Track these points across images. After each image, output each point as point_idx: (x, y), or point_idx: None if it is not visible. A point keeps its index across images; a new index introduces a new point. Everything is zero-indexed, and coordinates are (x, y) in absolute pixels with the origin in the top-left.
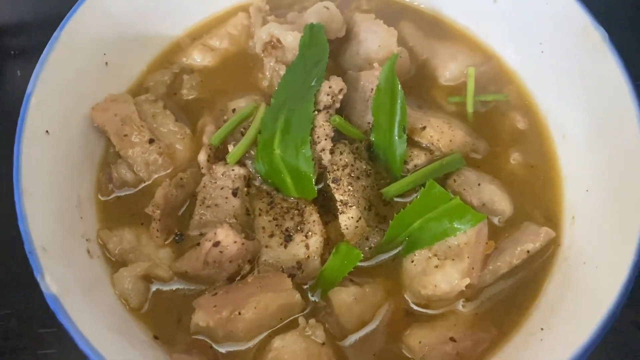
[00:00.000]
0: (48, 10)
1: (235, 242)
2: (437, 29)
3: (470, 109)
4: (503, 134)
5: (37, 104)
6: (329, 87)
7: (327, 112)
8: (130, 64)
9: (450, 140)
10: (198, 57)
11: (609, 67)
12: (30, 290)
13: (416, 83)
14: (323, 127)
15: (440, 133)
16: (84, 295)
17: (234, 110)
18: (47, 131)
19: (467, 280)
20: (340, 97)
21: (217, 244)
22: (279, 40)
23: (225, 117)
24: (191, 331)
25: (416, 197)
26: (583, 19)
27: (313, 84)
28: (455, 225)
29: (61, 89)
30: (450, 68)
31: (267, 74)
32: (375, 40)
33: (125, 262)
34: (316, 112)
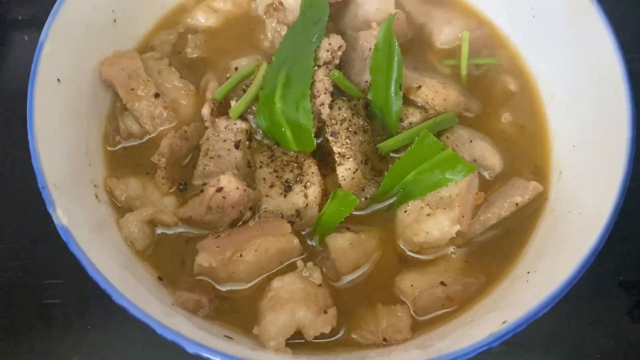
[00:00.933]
0: None
1: (237, 188)
2: None
3: (464, 71)
4: (495, 95)
5: (49, 53)
6: (329, 44)
7: (327, 67)
8: (137, 22)
9: (444, 100)
10: (202, 18)
11: (596, 28)
12: (38, 243)
13: (412, 46)
14: (322, 81)
15: (435, 92)
16: (93, 233)
17: (236, 68)
18: (58, 79)
19: (457, 227)
20: (340, 53)
21: (220, 189)
22: (280, 3)
23: (228, 75)
24: (194, 272)
25: (410, 146)
26: None
27: (313, 40)
28: (447, 176)
29: (71, 41)
30: (445, 32)
31: (269, 34)
32: (374, 3)
33: (131, 209)
34: (316, 68)
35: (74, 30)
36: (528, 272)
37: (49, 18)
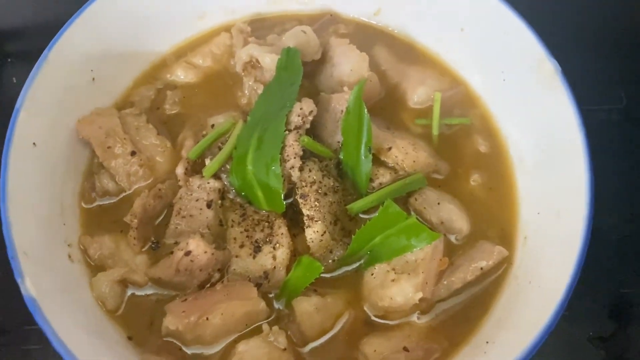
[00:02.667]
0: (45, 16)
1: (205, 252)
2: (410, 54)
3: (435, 131)
4: (465, 156)
5: (26, 117)
6: (300, 109)
7: (297, 132)
8: (116, 79)
9: (414, 161)
10: (181, 74)
11: (560, 98)
12: (16, 287)
13: (386, 105)
14: (292, 146)
15: (405, 154)
16: (63, 297)
17: (212, 125)
18: (34, 143)
19: (420, 294)
20: (310, 118)
21: (188, 253)
22: (257, 61)
23: (204, 132)
24: (162, 334)
25: (375, 214)
26: (538, 52)
27: (288, 104)
28: (412, 242)
29: (49, 104)
30: (418, 92)
31: (246, 92)
32: (348, 64)
33: (104, 267)
34: (287, 132)
35: (51, 92)
36: (487, 342)
37: (27, 82)
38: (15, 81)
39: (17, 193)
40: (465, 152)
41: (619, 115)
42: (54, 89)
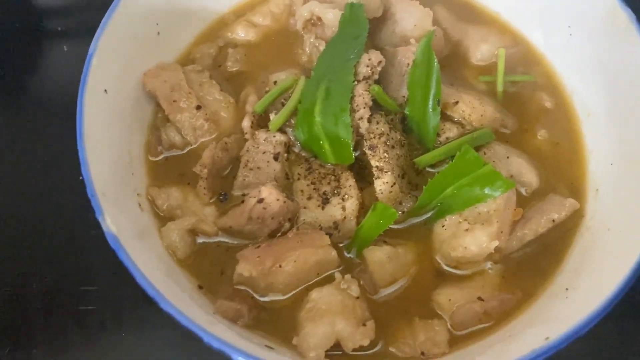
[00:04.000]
0: None
1: (278, 199)
2: (469, 13)
3: (500, 87)
4: (531, 112)
5: (97, 64)
6: (369, 60)
7: (366, 82)
8: (179, 35)
9: (481, 115)
10: (242, 33)
11: (635, 48)
12: (72, 248)
13: (449, 62)
14: (362, 96)
15: (472, 108)
16: (137, 241)
17: (275, 82)
18: (105, 90)
19: (496, 243)
20: (379, 68)
21: (261, 200)
22: (319, 18)
23: (267, 89)
24: (234, 281)
25: (450, 161)
26: (610, 1)
27: (352, 56)
28: (486, 192)
29: (117, 53)
30: (481, 49)
31: (307, 49)
32: (411, 19)
33: (172, 218)
34: (355, 82)
35: (120, 42)
36: (567, 289)
37: (98, 31)
38: (66, 49)
39: (91, 136)
40: (530, 108)
41: None
42: (122, 39)
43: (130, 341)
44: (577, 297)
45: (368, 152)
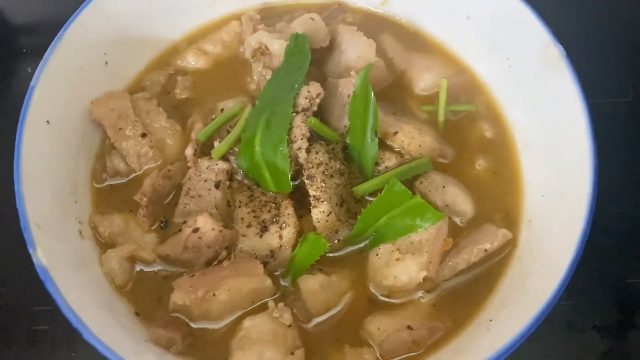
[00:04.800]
0: (60, 11)
1: (213, 229)
2: (416, 42)
3: (441, 117)
4: (471, 141)
5: (40, 96)
6: (308, 92)
7: (305, 114)
8: (129, 63)
9: (420, 145)
10: (192, 60)
11: (566, 83)
12: (26, 269)
13: (393, 91)
14: (300, 127)
15: (411, 138)
16: (73, 271)
17: (222, 110)
18: (47, 121)
19: (424, 273)
20: (318, 100)
21: (196, 230)
22: (266, 47)
23: (213, 116)
24: (170, 309)
25: (380, 194)
26: (544, 37)
27: (295, 87)
28: (417, 222)
29: (63, 84)
30: (424, 79)
31: (255, 77)
32: (355, 50)
33: (113, 244)
34: (295, 114)
35: (65, 73)
36: (490, 320)
37: (41, 63)
38: (30, 71)
39: (30, 168)
40: (470, 138)
41: (625, 108)
42: (67, 70)
43: None
44: (497, 329)
45: (306, 181)
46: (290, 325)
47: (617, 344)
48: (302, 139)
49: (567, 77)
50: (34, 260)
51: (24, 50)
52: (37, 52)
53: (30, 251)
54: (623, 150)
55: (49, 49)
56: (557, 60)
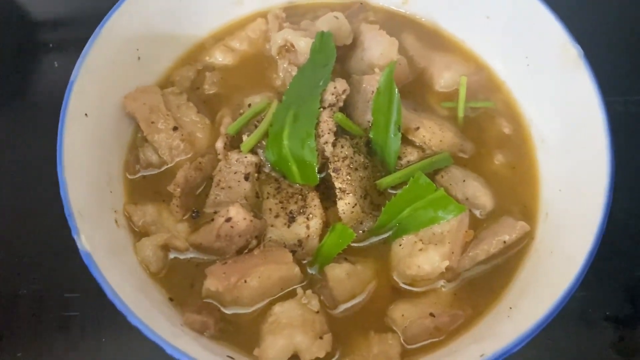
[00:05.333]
0: (83, 6)
1: (244, 218)
2: (436, 40)
3: (461, 113)
4: (489, 137)
5: (78, 90)
6: (334, 88)
7: (331, 109)
8: (159, 59)
9: (441, 141)
10: (220, 57)
11: (583, 82)
12: (56, 258)
13: (414, 88)
14: (327, 122)
15: (432, 134)
16: (111, 258)
17: (249, 105)
18: (86, 114)
19: (447, 263)
20: (344, 96)
21: (229, 219)
22: (292, 45)
23: (241, 111)
24: (202, 295)
25: (406, 186)
26: (562, 37)
27: (320, 84)
28: (440, 214)
29: (99, 79)
30: (444, 76)
31: (281, 74)
32: (378, 48)
33: (147, 233)
34: (321, 109)
35: (101, 68)
36: (510, 308)
37: (79, 59)
38: (56, 65)
39: (71, 158)
40: (489, 134)
41: (638, 107)
42: (103, 65)
43: (109, 346)
44: (517, 316)
45: (332, 174)
46: (318, 312)
47: (628, 334)
48: (328, 133)
49: (585, 76)
50: (79, 246)
51: (50, 45)
52: (62, 47)
53: (75, 237)
54: (634, 147)
55: (86, 46)
56: (575, 59)
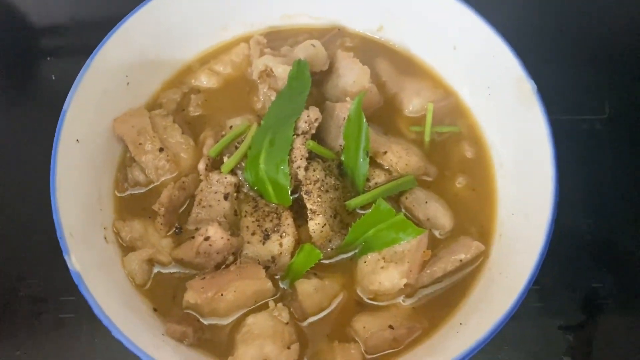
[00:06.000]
0: (81, 13)
1: (222, 237)
2: (407, 66)
3: (427, 138)
4: (453, 160)
5: (70, 119)
6: (307, 116)
7: (304, 136)
8: (147, 83)
9: (406, 164)
10: (204, 80)
11: (535, 116)
12: (55, 263)
13: (384, 113)
14: (299, 149)
15: (399, 158)
16: (99, 272)
17: (230, 126)
18: (77, 140)
19: (405, 280)
20: (316, 124)
21: (207, 238)
22: (272, 70)
23: (223, 133)
24: (183, 306)
25: (369, 211)
26: (518, 72)
27: (295, 112)
28: (400, 236)
29: (90, 106)
30: (413, 102)
31: (261, 97)
32: (351, 76)
33: (134, 248)
34: (295, 136)
35: (92, 97)
36: (460, 324)
37: (72, 88)
38: (54, 78)
39: (63, 182)
40: (452, 157)
41: (601, 125)
42: (94, 93)
43: (102, 346)
44: (464, 332)
45: (304, 196)
46: (287, 323)
47: (581, 341)
48: (301, 159)
49: (536, 111)
50: (69, 266)
51: (48, 57)
52: (61, 57)
53: (66, 258)
54: (593, 164)
55: (78, 77)
56: (528, 94)
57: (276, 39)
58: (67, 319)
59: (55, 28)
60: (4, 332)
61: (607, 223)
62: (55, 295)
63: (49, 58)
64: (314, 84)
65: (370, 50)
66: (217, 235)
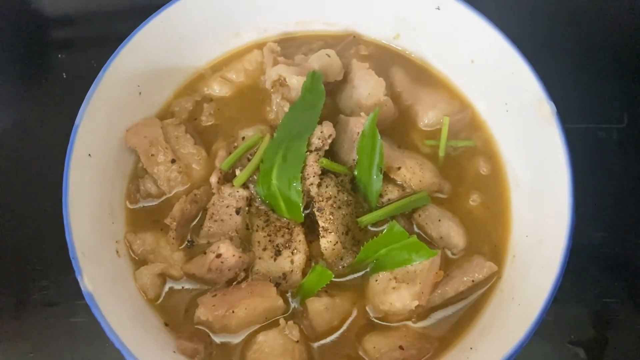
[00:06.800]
0: (92, 4)
1: (234, 255)
2: (423, 76)
3: (442, 152)
4: (467, 176)
5: (83, 133)
6: (321, 132)
7: (317, 153)
8: (160, 91)
9: (420, 181)
10: (217, 88)
11: (554, 139)
12: (66, 266)
13: (399, 125)
14: (312, 166)
15: (412, 174)
16: (112, 288)
17: (243, 138)
18: (89, 154)
19: (416, 302)
20: (329, 141)
21: (219, 255)
22: (285, 80)
23: (235, 144)
24: (194, 322)
25: (383, 230)
26: (538, 93)
27: (308, 127)
28: (412, 257)
29: (102, 118)
30: (429, 115)
31: (274, 108)
32: (366, 88)
33: (145, 261)
34: (308, 152)
35: (104, 109)
36: (471, 349)
37: (83, 103)
38: (65, 77)
39: (75, 198)
40: (467, 173)
41: (619, 134)
42: (106, 106)
43: (112, 351)
44: (475, 358)
45: (317, 213)
46: (298, 341)
47: (592, 356)
48: (314, 176)
49: (555, 133)
50: (81, 287)
51: (60, 55)
52: (71, 51)
53: (78, 278)
54: (608, 175)
55: (90, 90)
56: (548, 116)
57: (290, 46)
58: (79, 322)
59: (65, 19)
60: (16, 335)
61: (621, 236)
62: (67, 299)
63: (60, 57)
64: (328, 93)
65: (385, 58)
66: (228, 252)
